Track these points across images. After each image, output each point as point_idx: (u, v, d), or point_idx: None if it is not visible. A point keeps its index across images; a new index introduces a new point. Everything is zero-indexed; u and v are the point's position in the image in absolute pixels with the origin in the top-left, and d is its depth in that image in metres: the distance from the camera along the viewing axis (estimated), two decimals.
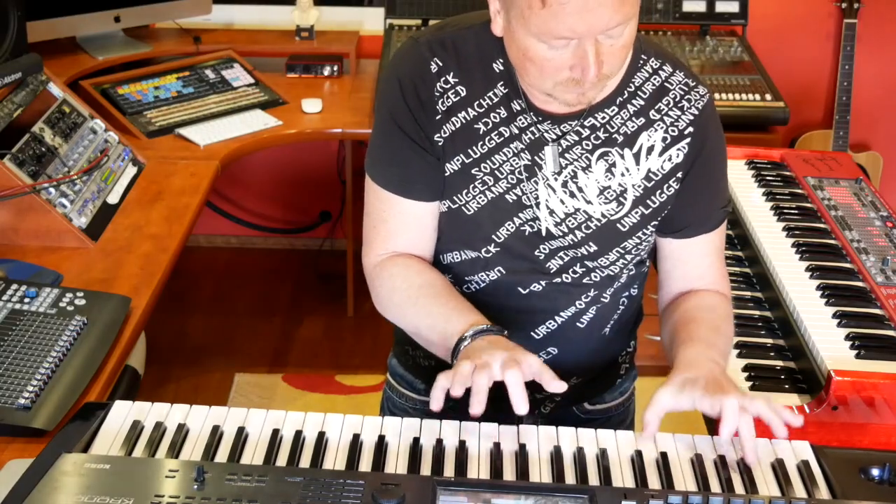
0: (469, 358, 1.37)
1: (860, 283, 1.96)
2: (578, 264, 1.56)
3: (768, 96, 3.16)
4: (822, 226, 2.17)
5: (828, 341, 1.79)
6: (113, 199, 2.43)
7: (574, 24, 1.29)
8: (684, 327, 1.53)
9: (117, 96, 3.06)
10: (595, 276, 1.57)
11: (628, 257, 1.57)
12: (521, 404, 1.32)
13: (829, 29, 3.87)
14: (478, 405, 1.32)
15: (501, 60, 1.48)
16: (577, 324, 1.61)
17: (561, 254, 1.55)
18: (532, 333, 1.61)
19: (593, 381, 1.72)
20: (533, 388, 1.35)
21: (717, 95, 3.14)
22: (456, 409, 1.38)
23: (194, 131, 2.97)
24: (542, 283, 1.57)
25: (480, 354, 1.37)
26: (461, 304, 1.50)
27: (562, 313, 1.60)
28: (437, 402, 1.35)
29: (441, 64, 1.50)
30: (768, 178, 2.39)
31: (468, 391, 1.34)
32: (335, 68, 3.49)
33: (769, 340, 1.91)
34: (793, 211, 2.23)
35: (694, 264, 1.60)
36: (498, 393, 1.34)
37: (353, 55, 3.60)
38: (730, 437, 1.36)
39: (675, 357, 1.47)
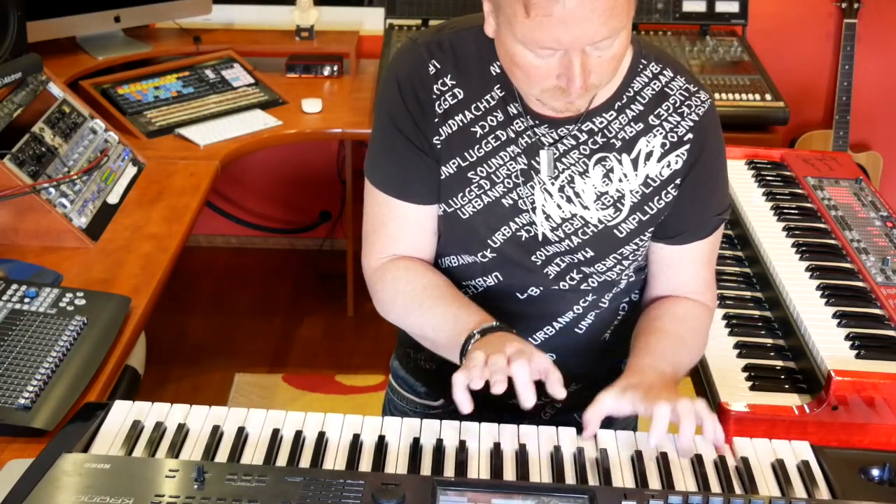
0: (480, 349, 1.36)
1: (860, 283, 1.96)
2: (575, 270, 1.55)
3: (768, 96, 3.16)
4: (822, 226, 2.17)
5: (828, 341, 1.79)
6: (113, 199, 2.43)
7: (559, 35, 1.28)
8: (645, 337, 1.53)
9: (117, 96, 3.06)
10: (593, 282, 1.57)
11: (626, 263, 1.56)
12: (528, 397, 1.31)
13: (829, 29, 3.87)
14: (500, 384, 1.30)
15: (498, 63, 1.46)
16: (576, 329, 1.61)
17: (557, 259, 1.54)
18: (530, 339, 1.60)
19: (594, 387, 1.71)
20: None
21: (717, 95, 3.14)
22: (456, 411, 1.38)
23: (194, 131, 2.97)
24: (540, 288, 1.57)
25: (491, 345, 1.36)
26: (467, 304, 1.50)
27: (560, 319, 1.60)
28: (465, 405, 1.33)
29: (439, 66, 1.49)
30: (768, 178, 2.39)
31: (474, 394, 1.34)
32: (335, 68, 3.49)
33: (769, 340, 1.91)
34: (793, 211, 2.23)
35: (680, 270, 1.59)
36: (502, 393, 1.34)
37: (353, 55, 3.60)
38: (659, 442, 1.35)
39: (627, 365, 1.48)
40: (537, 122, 1.48)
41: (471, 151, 1.50)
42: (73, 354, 1.75)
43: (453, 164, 1.51)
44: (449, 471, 1.33)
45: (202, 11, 3.58)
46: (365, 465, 1.34)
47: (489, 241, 1.53)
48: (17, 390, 1.63)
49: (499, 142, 1.49)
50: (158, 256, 2.22)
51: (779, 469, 1.36)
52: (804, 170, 2.40)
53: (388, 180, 1.54)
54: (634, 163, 1.50)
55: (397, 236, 1.56)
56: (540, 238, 1.52)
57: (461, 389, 1.32)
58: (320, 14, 3.66)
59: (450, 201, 1.53)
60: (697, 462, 1.37)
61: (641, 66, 1.49)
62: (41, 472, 1.25)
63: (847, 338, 1.80)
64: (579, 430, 1.43)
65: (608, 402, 1.39)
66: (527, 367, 1.32)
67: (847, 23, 3.75)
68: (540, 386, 1.40)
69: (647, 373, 1.44)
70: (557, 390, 1.34)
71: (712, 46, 3.50)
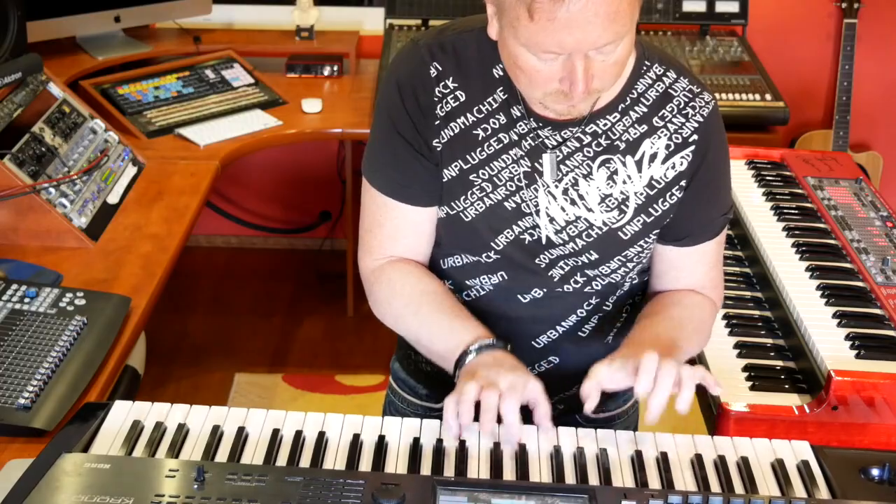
0: (473, 375, 1.37)
1: (860, 283, 1.96)
2: (579, 273, 1.55)
3: (768, 96, 3.16)
4: (822, 226, 2.17)
5: (828, 341, 1.79)
6: (113, 199, 2.43)
7: (562, 39, 1.27)
8: (646, 318, 1.54)
9: (117, 96, 3.06)
10: (597, 285, 1.56)
11: (630, 265, 1.56)
12: (513, 434, 1.35)
13: (829, 29, 3.87)
14: (488, 424, 1.34)
15: (501, 65, 1.45)
16: (579, 333, 1.61)
17: (562, 263, 1.54)
18: (533, 343, 1.60)
19: None
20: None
21: (717, 95, 3.14)
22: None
23: (194, 131, 2.97)
24: (544, 290, 1.56)
25: (486, 373, 1.37)
26: (464, 314, 1.50)
27: (563, 323, 1.59)
28: (454, 432, 1.36)
29: (440, 68, 1.48)
30: (768, 178, 2.39)
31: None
32: (335, 68, 3.49)
33: (769, 340, 1.91)
34: (793, 211, 2.23)
35: (688, 272, 1.59)
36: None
37: (353, 55, 3.60)
38: (645, 392, 1.35)
39: (624, 342, 1.49)
40: (540, 124, 1.47)
41: (473, 154, 1.50)
42: (73, 354, 1.75)
43: (455, 166, 1.50)
44: (449, 471, 1.33)
45: (202, 11, 3.58)
46: (365, 465, 1.34)
47: (492, 244, 1.53)
48: (17, 390, 1.63)
49: (501, 144, 1.49)
50: (158, 256, 2.22)
51: (779, 469, 1.37)
52: (804, 170, 2.40)
53: (386, 182, 1.53)
54: (639, 164, 1.49)
55: (395, 237, 1.56)
56: (544, 241, 1.52)
57: (452, 416, 1.36)
58: (320, 14, 3.66)
59: (452, 204, 1.52)
60: (697, 462, 1.37)
61: (645, 68, 1.49)
62: (41, 472, 1.25)
63: (847, 338, 1.80)
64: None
65: (602, 372, 1.40)
66: (517, 405, 1.35)
67: (847, 23, 3.75)
68: (545, 382, 1.40)
69: (642, 346, 1.44)
70: (544, 423, 1.38)
71: (712, 46, 3.50)
